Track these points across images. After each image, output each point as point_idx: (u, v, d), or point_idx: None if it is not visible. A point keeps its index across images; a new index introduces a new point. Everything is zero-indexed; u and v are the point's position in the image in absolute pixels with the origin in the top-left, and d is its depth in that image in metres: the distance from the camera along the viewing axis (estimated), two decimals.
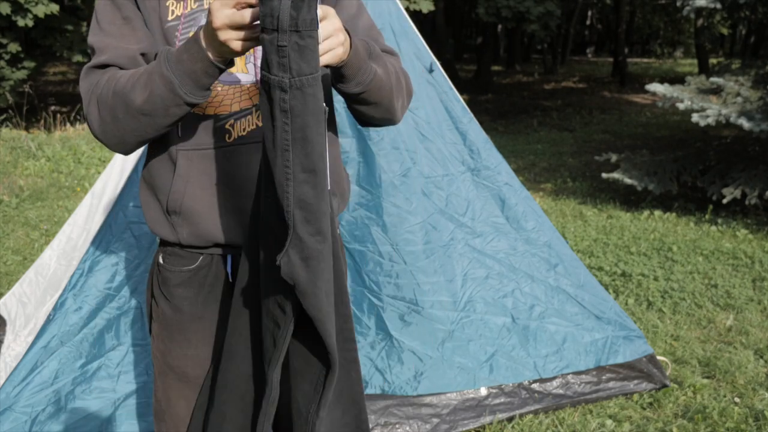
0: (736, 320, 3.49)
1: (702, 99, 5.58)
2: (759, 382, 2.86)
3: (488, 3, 11.92)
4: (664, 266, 4.25)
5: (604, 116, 11.74)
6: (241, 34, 1.06)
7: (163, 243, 1.38)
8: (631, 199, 6.05)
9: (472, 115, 2.88)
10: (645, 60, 26.65)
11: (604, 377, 2.64)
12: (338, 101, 2.29)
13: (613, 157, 6.26)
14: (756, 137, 5.73)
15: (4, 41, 8.97)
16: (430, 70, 2.78)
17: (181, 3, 1.28)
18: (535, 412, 2.53)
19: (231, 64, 1.15)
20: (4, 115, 8.99)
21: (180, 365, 1.38)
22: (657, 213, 5.56)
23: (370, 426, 2.34)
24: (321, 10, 1.06)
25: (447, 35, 19.83)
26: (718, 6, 5.80)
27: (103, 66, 1.24)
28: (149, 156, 1.35)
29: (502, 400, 2.49)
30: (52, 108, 10.02)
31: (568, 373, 2.59)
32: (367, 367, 2.45)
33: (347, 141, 2.53)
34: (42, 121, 9.04)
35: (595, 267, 4.20)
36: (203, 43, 1.10)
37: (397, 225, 2.53)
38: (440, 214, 2.63)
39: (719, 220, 5.28)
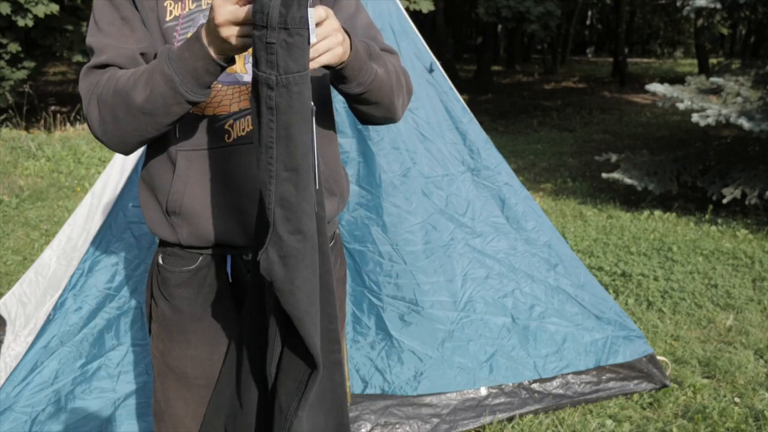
0: (736, 320, 3.49)
1: (702, 99, 5.58)
2: (759, 382, 2.86)
3: (488, 3, 11.92)
4: (664, 266, 4.25)
5: (604, 116, 11.74)
6: (243, 30, 1.05)
7: (163, 243, 1.38)
8: (631, 199, 6.04)
9: (472, 115, 2.87)
10: (645, 60, 26.66)
11: (604, 377, 2.64)
12: (338, 101, 2.30)
13: (613, 157, 6.26)
14: (756, 137, 5.73)
15: (4, 41, 8.97)
16: (430, 70, 2.78)
17: (179, 3, 1.28)
18: (535, 412, 2.53)
19: (232, 62, 1.14)
20: (4, 115, 8.99)
21: (179, 366, 1.37)
22: (657, 213, 5.55)
23: (370, 426, 2.34)
24: (321, 10, 1.06)
25: (447, 35, 19.83)
26: (718, 6, 5.80)
27: (103, 66, 1.24)
28: (148, 156, 1.34)
29: (502, 400, 2.49)
30: (52, 108, 10.02)
31: (568, 373, 2.59)
32: (367, 367, 2.45)
33: (347, 141, 2.53)
34: (42, 121, 9.04)
35: (595, 267, 4.20)
36: (205, 41, 1.10)
37: (397, 225, 2.53)
38: (440, 214, 2.63)
39: (719, 220, 5.28)
